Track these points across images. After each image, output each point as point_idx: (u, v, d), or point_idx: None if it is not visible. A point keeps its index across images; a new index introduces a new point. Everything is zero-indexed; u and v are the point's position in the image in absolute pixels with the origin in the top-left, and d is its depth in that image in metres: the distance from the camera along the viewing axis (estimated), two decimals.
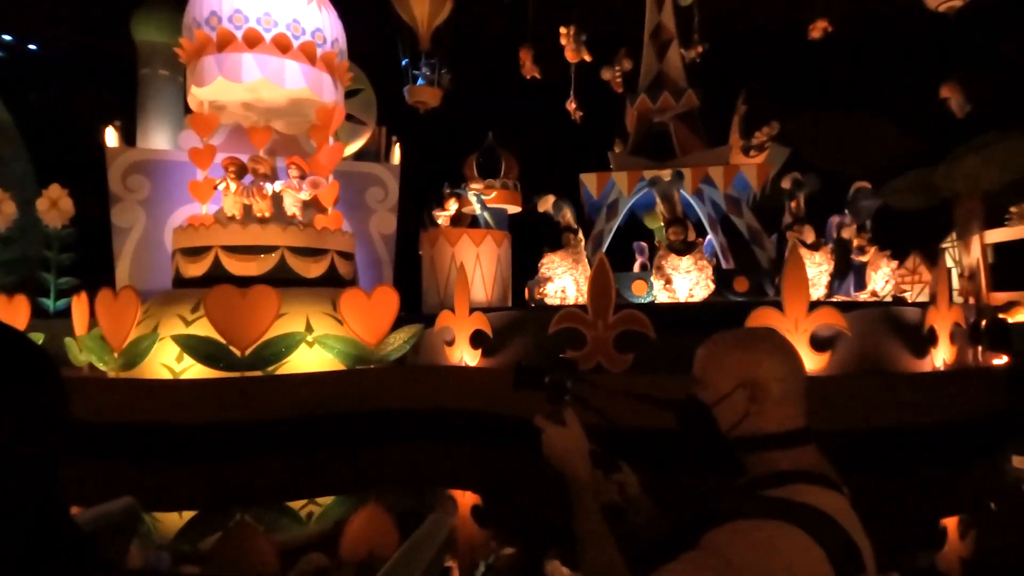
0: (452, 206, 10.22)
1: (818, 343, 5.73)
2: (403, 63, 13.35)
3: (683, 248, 6.89)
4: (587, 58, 10.60)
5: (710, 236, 10.28)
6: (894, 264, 7.22)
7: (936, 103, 13.77)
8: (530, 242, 12.44)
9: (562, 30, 10.15)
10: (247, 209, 8.56)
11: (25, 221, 11.35)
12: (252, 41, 7.87)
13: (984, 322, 6.96)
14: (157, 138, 11.96)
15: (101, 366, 7.06)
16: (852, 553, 0.84)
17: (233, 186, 8.55)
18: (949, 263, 19.25)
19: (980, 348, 7.05)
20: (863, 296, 7.21)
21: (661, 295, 7.05)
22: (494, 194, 11.03)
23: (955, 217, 19.92)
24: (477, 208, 10.71)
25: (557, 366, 1.05)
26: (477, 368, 7.04)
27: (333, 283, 8.38)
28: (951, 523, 4.78)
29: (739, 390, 0.94)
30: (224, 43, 7.85)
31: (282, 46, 8.01)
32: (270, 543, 4.97)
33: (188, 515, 5.55)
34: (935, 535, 4.41)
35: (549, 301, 7.69)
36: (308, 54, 8.23)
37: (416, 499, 5.74)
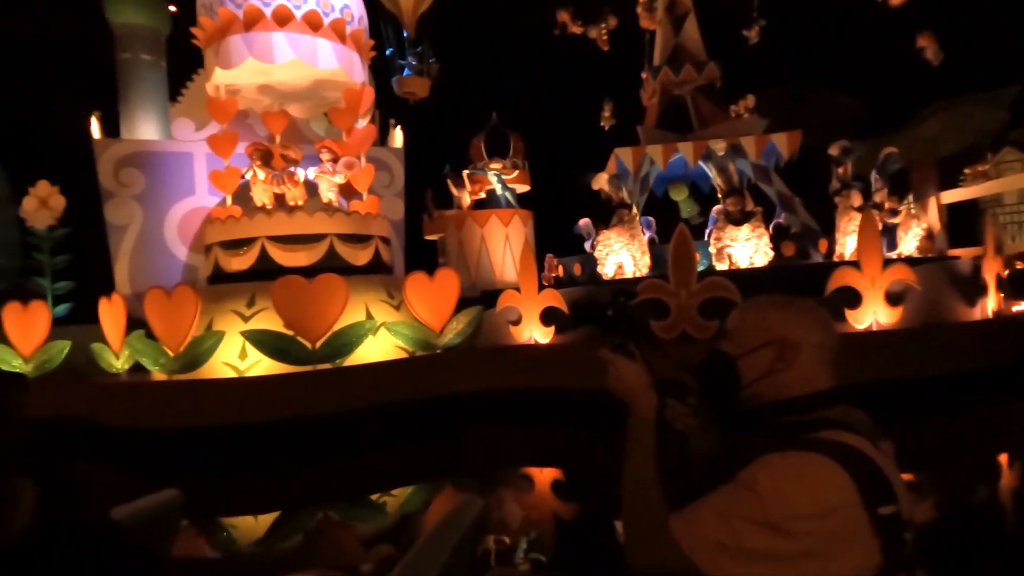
0: (468, 186, 10.12)
1: (891, 298, 6.08)
2: (388, 52, 12.96)
3: (741, 218, 7.10)
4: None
5: (719, 207, 10.61)
6: (924, 225, 7.70)
7: (893, 70, 14.50)
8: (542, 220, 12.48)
9: None
10: (279, 198, 8.18)
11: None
12: (282, 19, 7.44)
13: (1007, 272, 7.56)
14: (143, 128, 11.15)
15: (156, 369, 6.64)
16: (881, 483, 0.87)
17: (262, 174, 8.14)
18: None
19: (1001, 296, 7.66)
20: (893, 256, 7.67)
21: (720, 265, 7.26)
22: (516, 173, 10.95)
23: (912, 181, 21.36)
24: (498, 188, 10.62)
25: (619, 296, 1.06)
26: (550, 345, 7.06)
27: (379, 270, 8.16)
28: (1002, 459, 5.23)
29: (767, 347, 0.97)
30: (252, 21, 7.38)
31: (313, 24, 7.62)
32: (354, 538, 4.91)
33: (269, 517, 5.40)
34: (989, 471, 4.81)
35: (606, 277, 7.77)
36: (339, 32, 7.86)
37: (493, 482, 5.74)
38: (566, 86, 17.80)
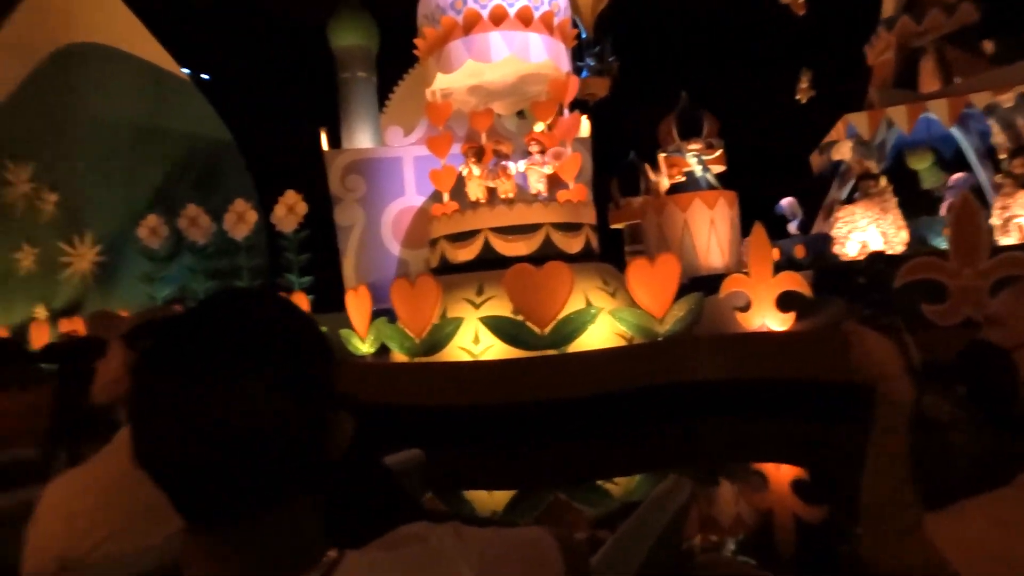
0: (665, 170, 9.77)
1: None
2: None
3: None
4: None
5: (960, 175, 9.04)
6: None
7: None
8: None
9: None
10: (491, 192, 8.57)
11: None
12: (498, 18, 7.76)
13: None
14: (360, 137, 12.46)
15: (401, 352, 7.32)
16: None
17: (477, 170, 8.59)
18: None
19: None
20: None
21: (1005, 238, 6.14)
22: (719, 153, 10.37)
23: None
24: (698, 170, 10.13)
25: (876, 262, 0.65)
26: (789, 332, 6.53)
27: (590, 257, 8.21)
28: None
29: None
30: (471, 24, 7.80)
31: (525, 19, 7.84)
32: (579, 521, 4.87)
33: (505, 494, 5.62)
34: None
35: (847, 258, 6.99)
36: (547, 25, 8.01)
37: (719, 475, 5.37)
38: (753, 59, 16.53)
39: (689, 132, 11.13)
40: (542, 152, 8.45)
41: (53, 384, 3.60)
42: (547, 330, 6.66)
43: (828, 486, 4.82)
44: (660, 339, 7.02)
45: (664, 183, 10.31)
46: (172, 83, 12.67)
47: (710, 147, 11.00)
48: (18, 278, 11.93)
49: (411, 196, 11.61)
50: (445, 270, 8.09)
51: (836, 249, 7.02)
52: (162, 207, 11.94)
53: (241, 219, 11.56)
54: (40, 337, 10.27)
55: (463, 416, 6.68)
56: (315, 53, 13.26)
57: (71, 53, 11.98)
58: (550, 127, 8.86)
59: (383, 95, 12.96)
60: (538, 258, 7.27)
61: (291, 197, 11.32)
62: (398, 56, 12.25)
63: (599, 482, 5.69)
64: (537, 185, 8.44)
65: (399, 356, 7.53)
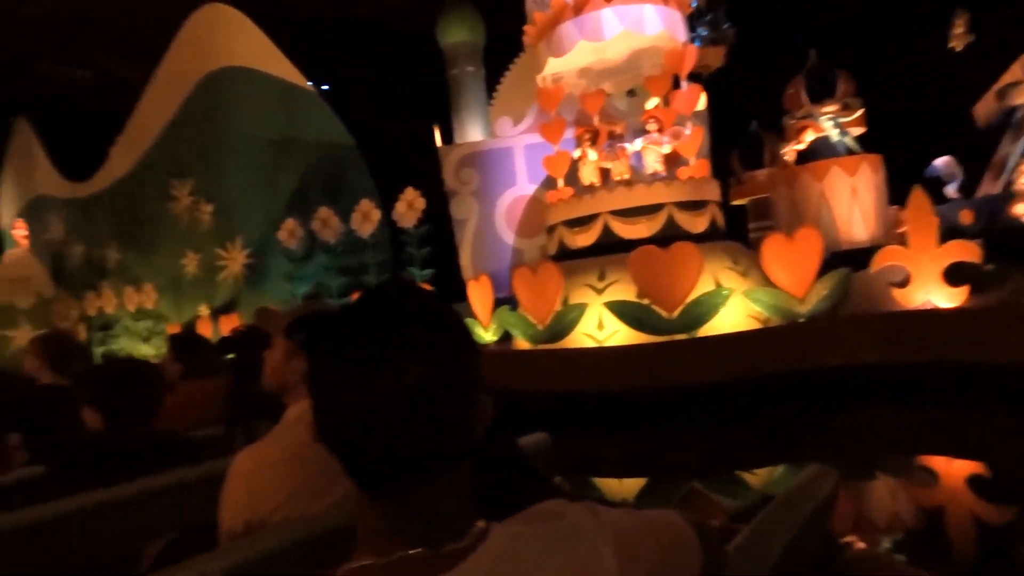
0: (807, 136, 8.94)
1: None
2: None
3: None
4: None
5: None
6: None
7: None
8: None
9: None
10: (605, 174, 8.37)
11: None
12: None
13: None
14: (471, 131, 12.70)
15: (525, 340, 7.40)
16: None
17: (593, 154, 8.43)
18: None
19: None
20: None
21: None
22: (859, 113, 9.36)
23: None
24: (834, 134, 9.22)
25: None
26: (961, 309, 5.76)
27: (716, 236, 7.77)
28: None
29: None
30: (582, 3, 7.63)
31: None
32: (719, 511, 4.57)
33: (635, 483, 5.47)
34: None
35: None
36: None
37: (875, 467, 4.77)
38: (892, 4, 14.75)
39: (821, 94, 10.14)
40: (660, 130, 8.11)
41: (228, 373, 4.01)
42: (676, 314, 6.40)
43: (1004, 482, 4.25)
44: (802, 320, 6.49)
45: (793, 152, 9.50)
46: (300, 96, 13.69)
47: (847, 108, 9.94)
48: (186, 281, 13.59)
49: (523, 185, 11.68)
50: (564, 256, 8.03)
51: (1017, 211, 6.05)
52: (297, 211, 12.97)
53: (367, 218, 12.27)
54: (205, 333, 11.61)
55: (591, 402, 6.62)
56: (424, 52, 13.69)
57: (216, 78, 13.34)
58: (666, 101, 8.46)
59: (490, 88, 13.12)
60: (661, 239, 6.99)
61: (410, 194, 11.83)
62: (503, 48, 12.32)
63: (736, 472, 5.42)
64: (655, 164, 8.11)
65: (522, 343, 7.61)
